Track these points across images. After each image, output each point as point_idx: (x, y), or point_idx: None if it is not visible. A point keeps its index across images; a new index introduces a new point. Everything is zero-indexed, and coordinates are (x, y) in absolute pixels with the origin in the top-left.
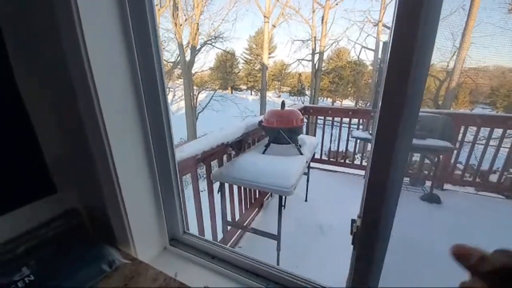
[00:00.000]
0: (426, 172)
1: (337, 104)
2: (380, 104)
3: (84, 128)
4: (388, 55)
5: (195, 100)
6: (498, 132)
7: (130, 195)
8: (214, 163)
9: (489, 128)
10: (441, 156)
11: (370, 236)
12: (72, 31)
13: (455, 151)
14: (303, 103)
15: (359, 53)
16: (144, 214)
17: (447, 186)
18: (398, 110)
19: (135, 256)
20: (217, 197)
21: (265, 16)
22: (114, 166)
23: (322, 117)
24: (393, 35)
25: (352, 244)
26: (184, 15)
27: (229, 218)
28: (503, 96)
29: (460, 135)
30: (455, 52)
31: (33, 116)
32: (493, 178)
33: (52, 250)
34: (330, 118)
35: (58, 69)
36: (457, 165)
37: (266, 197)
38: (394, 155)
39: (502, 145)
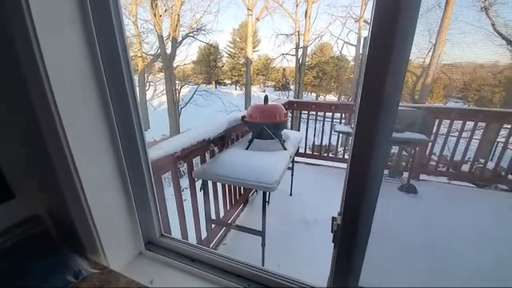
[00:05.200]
0: (403, 164)
1: (321, 98)
2: (359, 99)
3: (40, 127)
4: (367, 49)
5: (177, 95)
6: (469, 124)
7: (96, 199)
8: (197, 160)
9: (461, 121)
10: (417, 148)
11: (350, 234)
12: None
13: (430, 143)
14: (287, 97)
15: (342, 49)
16: (114, 218)
17: (422, 176)
18: (377, 105)
19: (106, 264)
20: (200, 195)
21: (248, 9)
22: (75, 168)
23: (306, 112)
24: (372, 29)
25: (333, 242)
26: (164, 6)
27: (213, 216)
28: (474, 91)
29: (435, 128)
30: (431, 48)
31: None
32: (465, 168)
33: (10, 261)
34: (314, 113)
35: (8, 65)
36: (432, 156)
37: (251, 193)
38: (374, 151)
39: (474, 137)
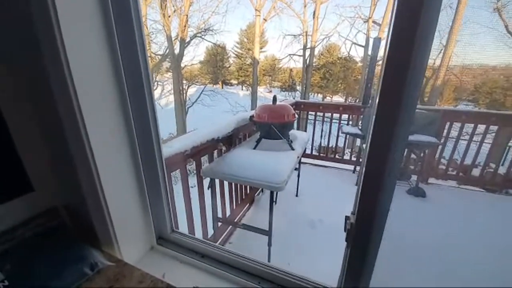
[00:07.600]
0: (411, 167)
1: (328, 99)
2: (377, 103)
3: (62, 122)
4: (387, 51)
5: (184, 95)
6: (480, 128)
7: (112, 193)
8: (205, 159)
9: (472, 124)
10: (426, 151)
11: (364, 233)
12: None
13: (440, 146)
14: (294, 98)
15: (349, 49)
16: (129, 212)
17: (431, 180)
18: (395, 109)
19: (120, 257)
20: (207, 193)
21: (256, 10)
22: (95, 163)
23: (313, 113)
24: (392, 31)
25: (346, 241)
26: (173, 6)
27: (219, 215)
28: (485, 94)
29: (445, 130)
30: (441, 49)
31: (5, 110)
32: (475, 172)
33: (29, 253)
34: (321, 114)
35: (34, 65)
36: (441, 160)
37: (257, 193)
38: (390, 154)
39: (485, 141)
